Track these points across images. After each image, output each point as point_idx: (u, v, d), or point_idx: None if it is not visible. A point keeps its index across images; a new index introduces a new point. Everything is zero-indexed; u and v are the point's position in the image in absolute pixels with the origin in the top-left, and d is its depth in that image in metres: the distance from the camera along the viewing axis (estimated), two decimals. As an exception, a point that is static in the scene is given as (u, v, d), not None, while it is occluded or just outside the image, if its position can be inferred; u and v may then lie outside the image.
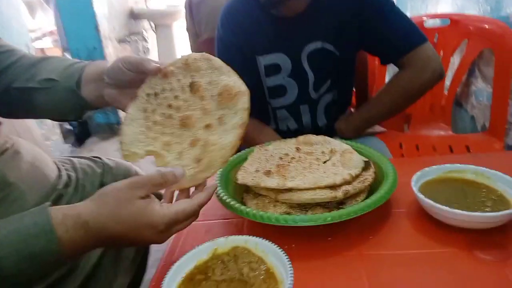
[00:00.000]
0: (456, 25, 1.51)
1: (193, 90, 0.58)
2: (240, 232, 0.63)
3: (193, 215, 0.54)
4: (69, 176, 0.84)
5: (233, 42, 1.01)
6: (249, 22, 1.00)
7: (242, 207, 0.59)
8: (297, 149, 0.75)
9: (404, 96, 0.98)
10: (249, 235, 0.52)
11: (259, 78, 1.05)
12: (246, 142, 1.09)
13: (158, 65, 0.59)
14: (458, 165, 0.66)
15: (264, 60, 1.01)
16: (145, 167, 0.64)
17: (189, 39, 1.80)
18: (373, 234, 0.58)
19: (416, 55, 0.94)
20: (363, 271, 0.51)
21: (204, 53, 0.60)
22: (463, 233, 0.55)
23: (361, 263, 0.52)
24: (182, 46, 4.33)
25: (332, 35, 0.98)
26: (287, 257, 0.48)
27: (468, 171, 0.65)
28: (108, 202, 0.50)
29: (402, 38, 0.94)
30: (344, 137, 1.08)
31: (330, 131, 1.10)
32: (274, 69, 1.02)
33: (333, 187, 0.60)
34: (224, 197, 0.63)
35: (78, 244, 0.48)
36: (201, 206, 0.54)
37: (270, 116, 1.11)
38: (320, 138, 0.77)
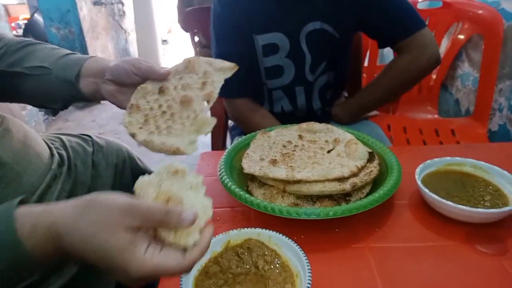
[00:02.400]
0: (448, 8, 1.51)
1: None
2: (247, 221, 0.64)
3: (179, 273, 0.43)
4: (60, 155, 0.81)
5: (231, 19, 0.97)
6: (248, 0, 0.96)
7: (252, 199, 0.59)
8: (300, 136, 0.75)
9: (401, 82, 0.98)
10: (259, 227, 0.53)
11: (255, 58, 1.02)
12: (241, 122, 1.09)
13: (167, 70, 0.59)
14: (458, 158, 0.68)
15: (262, 40, 0.99)
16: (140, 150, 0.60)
17: (178, 5, 1.71)
18: (379, 226, 0.60)
19: (414, 40, 0.94)
20: (372, 262, 0.53)
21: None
22: (463, 226, 0.58)
23: (369, 255, 0.54)
24: (159, 10, 4.14)
25: (331, 15, 0.96)
26: (302, 251, 0.49)
27: (467, 164, 0.67)
28: (89, 217, 0.41)
29: (402, 22, 0.94)
30: (339, 122, 1.09)
31: (325, 116, 1.11)
32: (272, 49, 1.00)
33: (341, 179, 0.61)
34: (232, 187, 0.63)
35: (48, 254, 0.42)
36: (192, 263, 0.42)
37: (265, 97, 1.10)
38: (323, 126, 0.77)
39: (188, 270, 0.42)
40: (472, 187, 0.64)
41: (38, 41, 0.76)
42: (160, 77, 0.59)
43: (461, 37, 1.55)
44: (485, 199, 0.61)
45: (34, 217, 0.42)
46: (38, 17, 3.24)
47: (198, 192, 0.46)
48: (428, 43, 0.93)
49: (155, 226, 0.42)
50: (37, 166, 0.73)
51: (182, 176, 0.47)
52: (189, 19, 1.59)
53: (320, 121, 0.79)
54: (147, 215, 0.41)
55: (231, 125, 1.28)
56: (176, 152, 0.52)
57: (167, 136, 0.54)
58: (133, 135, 0.55)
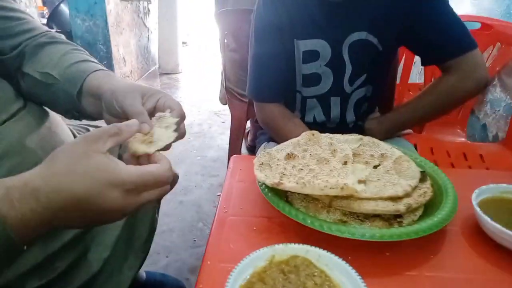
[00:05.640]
0: (487, 30, 1.47)
1: None
2: (285, 233, 0.59)
3: (166, 181, 0.47)
4: None
5: (274, 22, 0.94)
6: (294, 3, 0.93)
7: (297, 212, 0.55)
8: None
9: (445, 102, 0.94)
10: (299, 241, 0.48)
11: (293, 64, 0.99)
12: (272, 129, 1.05)
13: (142, 127, 0.51)
14: (516, 186, 0.63)
15: (303, 45, 0.95)
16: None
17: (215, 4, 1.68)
18: (432, 253, 0.55)
19: (465, 60, 0.90)
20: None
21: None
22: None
23: (426, 284, 0.49)
24: (183, 11, 4.15)
25: (378, 27, 0.92)
26: (358, 275, 0.44)
27: (525, 193, 0.63)
28: (61, 159, 0.42)
29: (455, 41, 0.89)
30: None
31: (357, 129, 1.06)
32: (312, 56, 0.96)
33: (394, 198, 0.56)
34: (273, 196, 0.58)
35: (31, 221, 0.39)
36: (170, 170, 0.47)
37: (297, 105, 1.06)
38: (368, 139, 0.72)
39: (171, 180, 0.48)
40: (532, 219, 0.59)
41: (56, 39, 0.72)
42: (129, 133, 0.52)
43: (500, 60, 1.50)
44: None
45: (4, 182, 0.40)
46: (64, 6, 3.26)
47: (168, 129, 0.53)
48: (479, 65, 0.89)
49: (116, 140, 0.46)
50: None
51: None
52: (221, 21, 1.57)
53: None
54: (104, 134, 0.44)
55: (259, 130, 1.24)
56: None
57: None
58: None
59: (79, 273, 0.69)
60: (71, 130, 0.80)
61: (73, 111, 0.69)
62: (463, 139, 1.60)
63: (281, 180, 0.57)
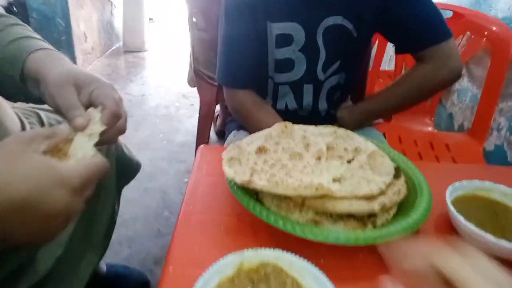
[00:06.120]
0: (458, 19, 1.47)
1: None
2: (256, 234, 0.55)
3: (104, 168, 0.44)
4: None
5: (246, 1, 0.88)
6: None
7: (269, 213, 0.51)
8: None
9: (418, 92, 0.92)
10: (269, 243, 0.45)
11: (265, 48, 0.93)
12: (242, 117, 0.99)
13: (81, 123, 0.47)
14: (488, 182, 0.62)
15: (277, 29, 0.90)
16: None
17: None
18: (406, 254, 0.53)
19: (439, 50, 0.88)
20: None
21: None
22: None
23: (400, 289, 0.47)
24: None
25: (354, 11, 0.88)
26: (331, 283, 0.41)
27: (497, 190, 0.62)
28: None
29: (431, 30, 0.87)
30: (344, 127, 1.02)
31: (329, 118, 1.04)
32: (286, 40, 0.91)
33: (368, 196, 0.53)
34: (242, 194, 0.54)
35: None
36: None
37: (269, 92, 1.02)
38: (342, 132, 0.69)
39: (107, 168, 0.45)
40: (505, 217, 0.58)
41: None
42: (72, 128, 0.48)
43: (469, 51, 1.51)
44: (519, 232, 0.55)
45: None
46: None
47: (90, 140, 0.47)
48: (453, 55, 0.88)
49: (50, 140, 0.42)
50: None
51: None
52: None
53: (324, 124, 0.72)
54: (37, 134, 0.41)
55: (229, 118, 1.19)
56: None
57: None
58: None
59: (26, 274, 0.63)
60: (17, 115, 0.71)
61: (20, 96, 0.61)
62: (430, 128, 1.62)
63: (251, 177, 0.53)
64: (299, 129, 0.67)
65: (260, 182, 0.51)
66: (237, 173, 0.55)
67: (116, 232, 0.89)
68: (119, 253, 1.33)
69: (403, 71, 1.45)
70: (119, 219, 0.91)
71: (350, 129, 0.97)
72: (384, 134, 1.44)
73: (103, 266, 1.13)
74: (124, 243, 1.37)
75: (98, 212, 0.79)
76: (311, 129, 0.69)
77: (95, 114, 0.49)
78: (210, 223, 0.57)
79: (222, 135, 2.02)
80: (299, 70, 0.95)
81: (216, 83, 1.58)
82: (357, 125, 1.01)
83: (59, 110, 0.50)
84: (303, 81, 0.97)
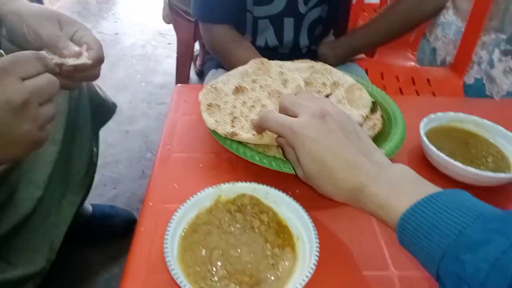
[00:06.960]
0: None
1: None
2: (234, 170, 0.56)
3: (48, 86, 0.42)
4: None
5: None
6: None
7: (240, 147, 0.51)
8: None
9: (402, 26, 0.90)
10: (247, 177, 0.46)
11: None
12: (219, 54, 0.96)
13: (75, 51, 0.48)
14: (462, 114, 0.64)
15: (254, -45, 0.83)
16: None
17: None
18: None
19: None
20: (376, 225, 0.49)
21: None
22: (466, 188, 0.55)
23: (368, 216, 0.50)
24: None
25: None
26: (306, 212, 0.43)
27: (470, 121, 0.63)
28: None
29: None
30: (325, 63, 1.00)
31: (310, 55, 1.01)
32: (264, -31, 0.85)
33: (345, 130, 0.54)
34: (221, 138, 0.54)
35: None
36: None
37: (248, 27, 0.97)
38: (320, 65, 0.68)
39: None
40: (475, 147, 0.60)
41: None
42: (60, 55, 0.48)
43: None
44: (488, 160, 0.58)
45: None
46: None
47: None
48: None
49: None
50: None
51: None
52: None
53: None
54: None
55: (207, 56, 1.14)
56: None
57: None
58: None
59: (7, 216, 0.63)
60: None
61: None
62: (413, 63, 1.61)
63: (234, 128, 0.52)
64: (276, 65, 0.66)
65: (245, 135, 0.51)
66: (218, 123, 0.54)
67: (99, 174, 0.89)
68: (104, 194, 1.34)
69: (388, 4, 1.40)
70: (101, 162, 0.91)
71: (331, 65, 0.96)
72: (366, 71, 1.44)
73: (88, 207, 1.15)
74: (109, 184, 1.39)
75: (75, 153, 0.78)
76: (288, 64, 0.67)
77: (81, 50, 0.50)
78: (189, 161, 0.57)
79: (203, 76, 1.97)
80: (279, 2, 0.90)
81: (193, 19, 1.50)
82: (340, 61, 0.99)
83: (37, 43, 0.49)
84: (284, 14, 0.93)
